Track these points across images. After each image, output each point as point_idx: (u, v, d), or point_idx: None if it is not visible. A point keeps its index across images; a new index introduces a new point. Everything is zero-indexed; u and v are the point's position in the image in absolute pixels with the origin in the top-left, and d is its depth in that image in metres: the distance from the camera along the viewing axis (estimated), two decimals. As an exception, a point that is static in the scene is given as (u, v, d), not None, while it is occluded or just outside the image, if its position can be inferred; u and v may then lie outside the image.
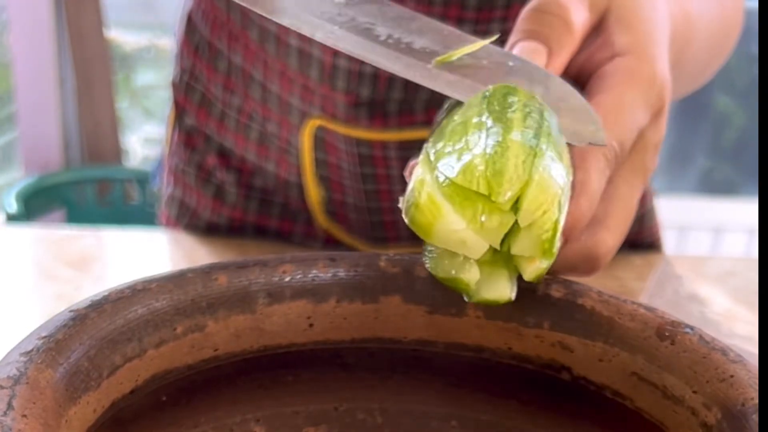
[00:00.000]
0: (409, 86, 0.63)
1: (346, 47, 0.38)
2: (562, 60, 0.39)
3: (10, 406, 0.26)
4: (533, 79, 0.37)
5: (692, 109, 2.05)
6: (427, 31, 0.38)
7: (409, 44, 0.38)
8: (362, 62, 0.64)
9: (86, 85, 1.89)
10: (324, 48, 0.62)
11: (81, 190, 1.92)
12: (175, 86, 0.74)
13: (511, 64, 0.38)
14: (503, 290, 0.33)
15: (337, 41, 0.38)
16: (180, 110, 0.74)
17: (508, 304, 0.34)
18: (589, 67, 0.40)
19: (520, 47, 0.39)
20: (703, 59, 0.58)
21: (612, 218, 0.37)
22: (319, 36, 0.38)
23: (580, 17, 0.40)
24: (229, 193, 0.73)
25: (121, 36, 2.12)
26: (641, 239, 0.75)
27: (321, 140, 0.67)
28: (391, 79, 0.62)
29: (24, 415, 0.26)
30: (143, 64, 2.22)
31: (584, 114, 0.36)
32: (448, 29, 0.39)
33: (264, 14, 0.39)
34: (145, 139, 2.19)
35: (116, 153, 1.97)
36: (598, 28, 0.41)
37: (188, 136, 0.74)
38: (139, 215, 1.81)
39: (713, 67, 0.63)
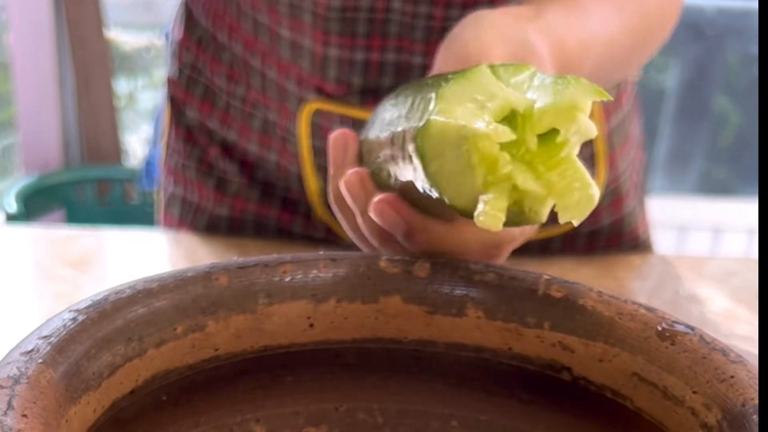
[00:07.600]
0: (400, 73, 0.64)
1: None
2: None
3: (10, 406, 0.26)
4: None
5: (691, 111, 2.05)
6: None
7: None
8: (353, 51, 0.65)
9: (86, 86, 1.89)
10: (315, 39, 0.64)
11: (81, 190, 1.92)
12: (173, 82, 0.74)
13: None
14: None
15: None
16: (178, 107, 0.75)
17: (509, 305, 0.34)
18: None
19: None
20: (617, 61, 0.60)
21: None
22: None
23: None
24: (232, 182, 0.73)
25: (121, 36, 2.12)
26: (625, 242, 0.75)
27: (318, 127, 0.67)
28: (383, 66, 0.63)
29: (24, 415, 0.26)
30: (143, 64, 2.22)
31: None
32: None
33: None
34: (144, 139, 2.18)
35: (116, 153, 1.97)
36: None
37: (188, 131, 0.75)
38: (139, 215, 1.81)
39: (640, 58, 0.64)
